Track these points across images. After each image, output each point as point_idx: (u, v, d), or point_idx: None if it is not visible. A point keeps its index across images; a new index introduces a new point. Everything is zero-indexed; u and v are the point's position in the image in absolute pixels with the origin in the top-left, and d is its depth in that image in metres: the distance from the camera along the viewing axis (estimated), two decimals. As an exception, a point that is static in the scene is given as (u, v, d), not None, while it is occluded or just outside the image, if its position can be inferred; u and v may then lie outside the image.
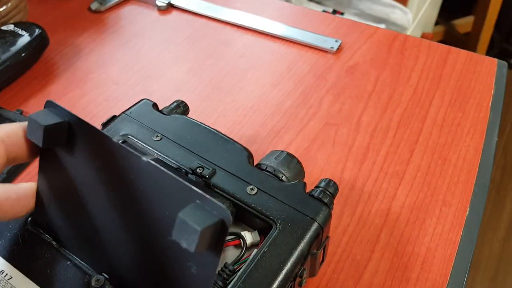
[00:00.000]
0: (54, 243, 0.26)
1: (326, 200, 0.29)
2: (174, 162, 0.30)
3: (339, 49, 0.50)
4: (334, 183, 0.30)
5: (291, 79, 0.47)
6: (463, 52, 0.50)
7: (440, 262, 0.33)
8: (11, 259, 0.26)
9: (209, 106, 0.45)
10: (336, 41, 0.50)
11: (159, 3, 0.56)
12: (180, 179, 0.20)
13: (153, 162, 0.21)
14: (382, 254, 0.34)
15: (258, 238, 0.29)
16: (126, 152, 0.22)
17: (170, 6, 0.56)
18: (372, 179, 0.38)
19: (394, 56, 0.50)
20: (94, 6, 0.56)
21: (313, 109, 0.44)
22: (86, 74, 0.48)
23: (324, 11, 1.17)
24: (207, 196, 0.19)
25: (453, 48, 0.51)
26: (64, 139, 0.24)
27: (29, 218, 0.27)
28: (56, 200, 0.26)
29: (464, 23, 1.79)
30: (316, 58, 0.50)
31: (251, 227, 0.30)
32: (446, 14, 1.71)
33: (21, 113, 0.43)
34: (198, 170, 0.30)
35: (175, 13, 0.56)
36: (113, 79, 0.48)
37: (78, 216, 0.25)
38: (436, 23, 1.72)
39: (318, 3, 1.20)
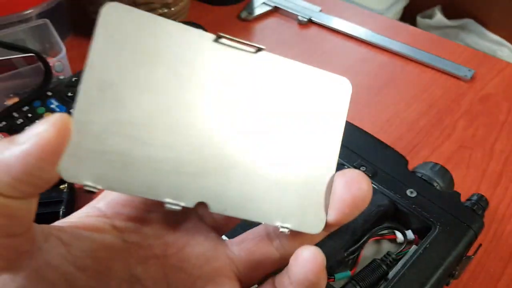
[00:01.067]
0: None
1: (479, 212, 0.32)
2: (339, 159, 0.34)
3: (472, 78, 0.53)
4: (486, 198, 0.33)
5: (425, 101, 0.51)
6: None
7: None
8: None
9: (348, 115, 0.49)
10: (469, 70, 0.53)
11: (300, 18, 0.61)
12: None
13: None
14: (515, 272, 0.36)
15: (413, 236, 0.32)
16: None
17: (310, 21, 0.62)
18: (505, 203, 0.41)
19: (526, 91, 0.52)
20: (243, 14, 0.62)
21: (447, 130, 0.47)
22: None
23: (430, 40, 1.19)
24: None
25: None
26: None
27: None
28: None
29: None
30: (450, 84, 0.53)
31: (404, 227, 0.33)
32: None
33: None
34: (361, 168, 0.34)
35: (313, 28, 0.61)
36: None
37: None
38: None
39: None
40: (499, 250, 0.37)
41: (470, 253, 0.31)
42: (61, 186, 0.37)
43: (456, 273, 0.30)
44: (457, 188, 0.42)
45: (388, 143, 0.46)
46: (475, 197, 0.33)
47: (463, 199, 0.34)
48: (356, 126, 0.37)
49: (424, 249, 0.29)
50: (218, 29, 0.60)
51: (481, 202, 0.33)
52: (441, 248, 0.29)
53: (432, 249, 0.29)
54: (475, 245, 0.32)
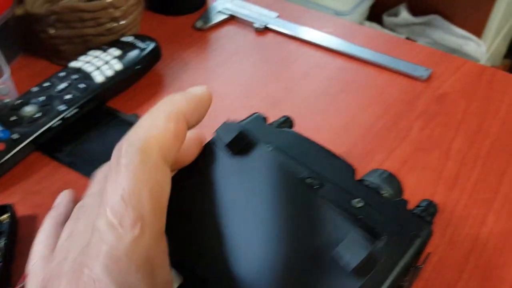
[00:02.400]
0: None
1: (428, 219, 0.31)
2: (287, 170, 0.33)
3: (429, 78, 0.53)
4: (435, 204, 0.33)
5: (381, 103, 0.50)
6: (553, 89, 0.51)
7: (529, 289, 0.35)
8: None
9: (303, 123, 0.48)
10: (426, 69, 0.53)
11: (256, 25, 0.61)
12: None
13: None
14: (471, 276, 0.36)
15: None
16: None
17: (266, 28, 0.61)
18: (461, 205, 0.40)
19: (482, 89, 0.51)
20: (199, 24, 0.61)
21: (403, 133, 0.47)
22: (192, 86, 0.53)
23: (397, 38, 1.20)
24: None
25: (542, 85, 0.52)
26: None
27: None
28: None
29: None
30: (406, 85, 0.52)
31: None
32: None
33: (137, 116, 0.48)
34: (307, 180, 0.33)
35: (270, 35, 0.61)
36: (216, 93, 0.52)
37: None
38: (504, 57, 1.70)
39: (392, 30, 1.23)
40: (455, 255, 0.37)
41: (420, 262, 0.31)
42: (1, 217, 0.35)
43: (405, 284, 0.30)
44: (412, 191, 0.42)
45: (344, 149, 0.46)
46: (424, 203, 0.32)
47: (416, 203, 0.33)
48: (303, 137, 0.36)
49: None
50: (173, 40, 0.59)
51: (430, 208, 0.32)
52: (388, 260, 0.29)
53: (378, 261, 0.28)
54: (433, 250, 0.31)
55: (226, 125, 0.30)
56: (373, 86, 0.52)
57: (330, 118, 0.49)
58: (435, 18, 1.19)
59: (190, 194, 0.28)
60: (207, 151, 0.30)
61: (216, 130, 0.30)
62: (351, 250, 0.23)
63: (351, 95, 0.51)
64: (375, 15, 1.24)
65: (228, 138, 0.30)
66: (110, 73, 0.48)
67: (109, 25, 0.52)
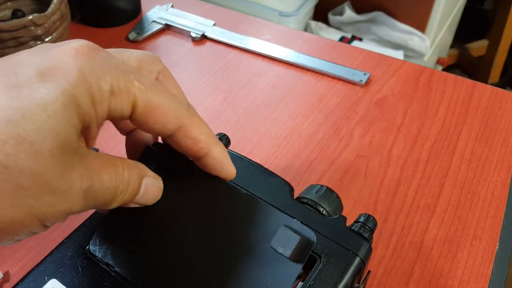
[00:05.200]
0: (112, 271, 0.27)
1: (366, 235, 0.30)
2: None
3: (368, 82, 0.52)
4: (373, 218, 0.32)
5: (322, 111, 0.49)
6: (488, 87, 0.52)
7: (473, 295, 0.34)
8: (71, 287, 0.27)
9: (244, 135, 0.47)
10: (364, 74, 0.52)
11: (193, 34, 0.59)
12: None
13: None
14: (417, 287, 0.35)
15: (301, 271, 0.30)
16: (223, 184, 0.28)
17: (204, 37, 0.59)
18: (404, 212, 0.40)
19: (421, 90, 0.51)
20: (132, 36, 0.58)
21: (344, 140, 0.46)
22: (126, 102, 0.50)
23: (343, 37, 1.20)
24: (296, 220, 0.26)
25: (478, 83, 0.52)
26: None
27: (88, 247, 0.29)
28: (123, 228, 0.27)
29: (478, 47, 1.81)
30: (346, 90, 0.52)
31: (293, 260, 0.31)
32: (461, 37, 1.74)
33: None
34: (239, 189, 0.31)
35: (208, 44, 0.59)
36: (152, 108, 0.50)
37: (146, 245, 0.27)
38: (451, 46, 1.75)
39: (338, 28, 1.23)
40: (400, 266, 0.36)
41: (361, 281, 0.30)
42: None
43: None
44: (355, 200, 0.41)
45: (286, 160, 0.45)
46: (362, 218, 0.31)
47: (358, 214, 0.32)
48: (240, 156, 0.34)
49: (309, 286, 0.27)
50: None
51: (369, 223, 0.31)
52: (327, 282, 0.27)
53: (316, 285, 0.27)
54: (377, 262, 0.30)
55: (148, 149, 0.28)
56: (313, 93, 0.52)
57: (271, 129, 0.48)
58: (379, 15, 1.20)
59: (132, 225, 0.27)
60: None
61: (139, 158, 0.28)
62: (283, 242, 0.25)
63: (291, 103, 0.50)
64: (320, 15, 1.24)
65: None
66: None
67: (32, 44, 0.49)
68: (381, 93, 0.51)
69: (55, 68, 0.20)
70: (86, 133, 0.21)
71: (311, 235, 0.25)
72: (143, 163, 0.25)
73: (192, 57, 0.57)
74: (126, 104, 0.22)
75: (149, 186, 0.24)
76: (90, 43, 0.21)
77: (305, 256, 0.25)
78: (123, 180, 0.22)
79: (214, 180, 0.27)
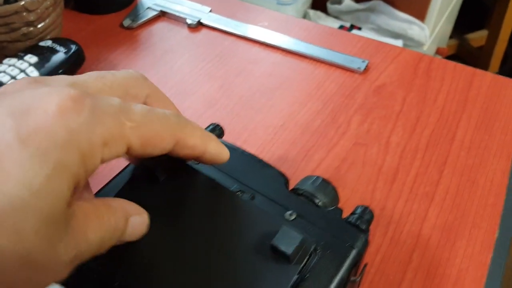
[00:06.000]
0: (107, 274, 0.26)
1: (363, 227, 0.29)
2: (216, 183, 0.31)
3: (366, 69, 0.51)
4: (370, 210, 0.31)
5: (319, 99, 0.48)
6: (489, 74, 0.51)
7: (472, 284, 0.34)
8: None
9: (240, 123, 0.46)
10: (363, 61, 0.52)
11: (189, 21, 0.58)
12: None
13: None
14: (415, 275, 0.34)
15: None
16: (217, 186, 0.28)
17: (200, 24, 0.58)
18: (402, 200, 0.39)
19: (420, 78, 0.51)
20: (126, 22, 0.57)
21: (342, 128, 0.45)
22: (120, 90, 0.50)
23: (341, 25, 1.19)
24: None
25: (478, 71, 0.52)
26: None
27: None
28: None
29: (478, 37, 1.80)
30: (344, 77, 0.51)
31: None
32: (460, 27, 1.72)
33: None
34: (238, 193, 0.30)
35: (204, 31, 0.58)
36: (146, 96, 0.49)
37: (143, 246, 0.26)
38: (450, 37, 1.73)
39: (336, 17, 1.22)
40: (397, 254, 0.36)
41: (358, 273, 0.29)
42: None
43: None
44: (352, 189, 0.40)
45: (282, 149, 0.44)
46: (358, 210, 0.31)
47: (357, 202, 0.32)
48: (235, 147, 0.34)
49: (303, 281, 0.26)
50: (98, 42, 0.55)
51: (366, 215, 0.30)
52: (323, 275, 0.27)
53: (312, 278, 0.26)
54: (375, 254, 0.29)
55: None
56: (311, 80, 0.51)
57: (267, 117, 0.47)
58: (378, 4, 1.19)
59: None
60: (133, 184, 0.29)
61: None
62: (285, 240, 0.25)
63: (288, 91, 0.50)
64: (319, 3, 1.23)
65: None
66: (25, 82, 0.44)
67: (24, 30, 0.48)
68: (380, 81, 0.50)
69: (37, 132, 0.18)
70: (76, 187, 0.20)
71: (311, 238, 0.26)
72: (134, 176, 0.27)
73: (187, 44, 0.56)
74: (121, 148, 0.21)
75: (135, 225, 0.23)
76: (72, 92, 0.19)
77: (304, 256, 0.25)
78: (109, 230, 0.21)
79: (209, 183, 0.29)
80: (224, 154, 0.27)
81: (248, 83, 0.51)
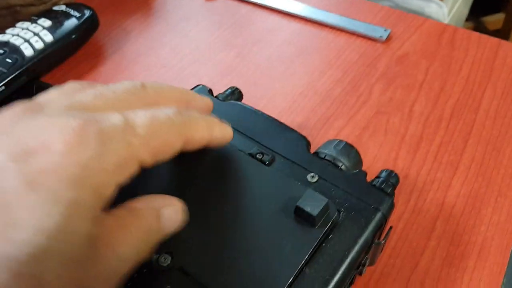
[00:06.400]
0: None
1: (388, 191, 0.28)
2: (235, 146, 0.30)
3: (388, 38, 0.50)
4: (396, 174, 0.30)
5: (340, 67, 0.47)
6: (515, 44, 0.49)
7: (497, 252, 0.33)
8: None
9: (258, 91, 0.45)
10: (385, 30, 0.50)
11: (205, -11, 0.56)
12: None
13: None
14: (438, 242, 0.33)
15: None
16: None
17: (216, -8, 0.57)
18: (426, 168, 0.38)
19: (444, 48, 0.49)
20: (142, -10, 0.56)
21: (363, 97, 0.44)
22: (135, 56, 0.49)
23: (357, 3, 1.16)
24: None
25: (503, 41, 0.50)
26: None
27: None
28: None
29: (494, 20, 1.76)
30: (365, 46, 0.49)
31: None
32: (477, 10, 1.69)
33: (75, 92, 0.44)
34: (258, 155, 0.29)
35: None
36: (162, 62, 0.48)
37: None
38: (466, 20, 1.70)
39: (352, -5, 1.19)
40: (421, 221, 0.35)
41: (382, 237, 0.28)
42: None
43: (367, 261, 0.27)
44: (374, 157, 0.39)
45: (302, 117, 0.43)
46: (383, 174, 0.30)
47: (378, 169, 0.30)
48: (252, 109, 0.33)
49: (326, 240, 0.25)
50: (113, 7, 0.54)
51: (391, 179, 0.29)
52: (346, 237, 0.26)
53: (335, 239, 0.25)
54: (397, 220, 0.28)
55: None
56: (331, 49, 0.49)
57: (286, 85, 0.46)
58: (395, -18, 1.16)
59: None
60: None
61: None
62: (311, 202, 0.25)
63: (307, 60, 0.48)
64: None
65: None
66: (40, 45, 0.43)
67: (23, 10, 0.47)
68: (402, 50, 0.49)
69: (44, 173, 0.17)
70: (95, 217, 0.19)
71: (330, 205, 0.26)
72: None
73: (203, 12, 0.55)
74: (134, 168, 0.20)
75: (170, 216, 0.22)
76: (73, 122, 0.18)
77: (329, 220, 0.25)
78: (140, 236, 0.20)
79: (230, 149, 0.29)
80: (228, 134, 0.27)
81: (266, 51, 0.49)
